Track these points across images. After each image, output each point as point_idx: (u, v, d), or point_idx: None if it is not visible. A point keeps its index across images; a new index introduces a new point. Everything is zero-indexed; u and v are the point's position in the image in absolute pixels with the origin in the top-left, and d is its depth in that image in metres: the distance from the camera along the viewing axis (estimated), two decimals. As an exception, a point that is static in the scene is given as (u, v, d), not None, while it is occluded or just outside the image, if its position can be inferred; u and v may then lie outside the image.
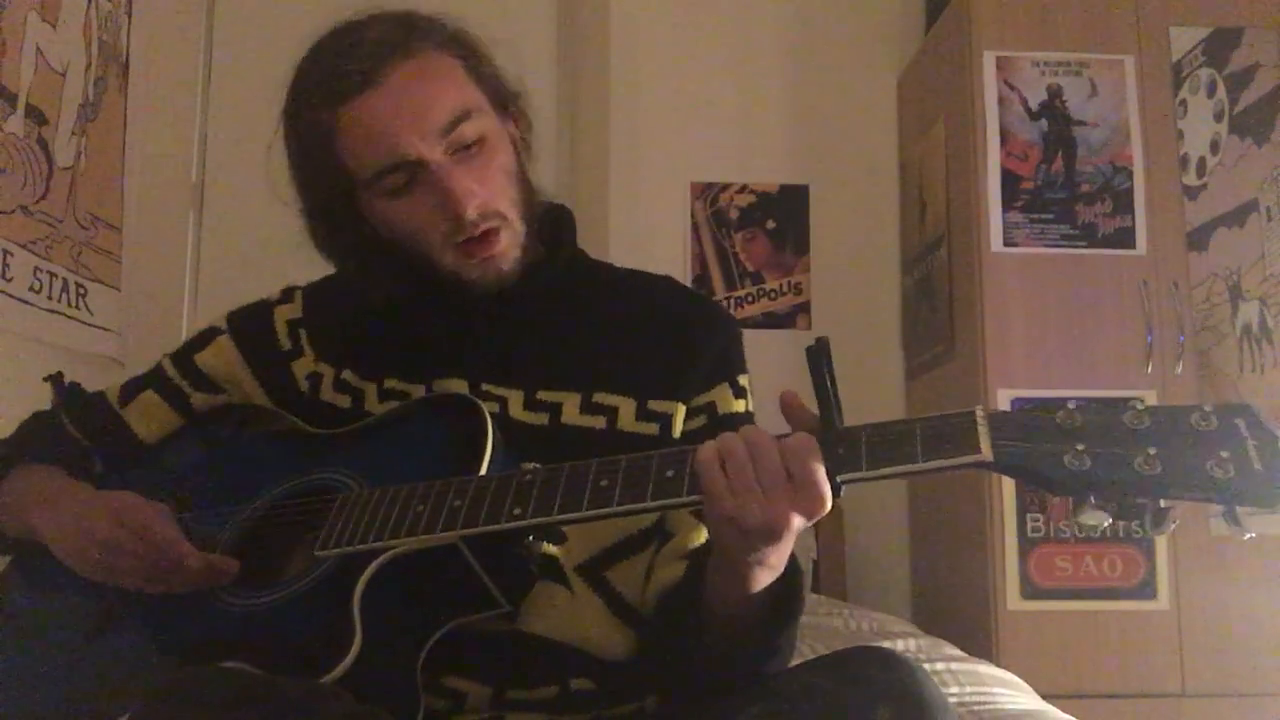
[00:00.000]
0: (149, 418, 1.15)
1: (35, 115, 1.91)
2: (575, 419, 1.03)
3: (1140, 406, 0.72)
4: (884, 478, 0.76)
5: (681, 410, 1.06)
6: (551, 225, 1.12)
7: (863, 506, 2.73)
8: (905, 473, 0.75)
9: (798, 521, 0.77)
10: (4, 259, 1.80)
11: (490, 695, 0.95)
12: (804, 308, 2.88)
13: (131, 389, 1.16)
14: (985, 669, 1.81)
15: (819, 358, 0.78)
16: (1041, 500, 2.26)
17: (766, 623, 0.88)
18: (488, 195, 1.01)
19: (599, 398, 1.04)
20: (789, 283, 2.89)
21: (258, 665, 0.82)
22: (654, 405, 1.05)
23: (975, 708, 1.62)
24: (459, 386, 1.04)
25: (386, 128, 0.98)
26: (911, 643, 1.91)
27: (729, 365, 1.10)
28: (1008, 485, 2.26)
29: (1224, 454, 0.68)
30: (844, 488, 0.77)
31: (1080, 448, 0.71)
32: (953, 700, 1.62)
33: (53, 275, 1.96)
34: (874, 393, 2.80)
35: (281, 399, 1.11)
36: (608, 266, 1.20)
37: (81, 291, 2.07)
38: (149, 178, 2.36)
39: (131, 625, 0.98)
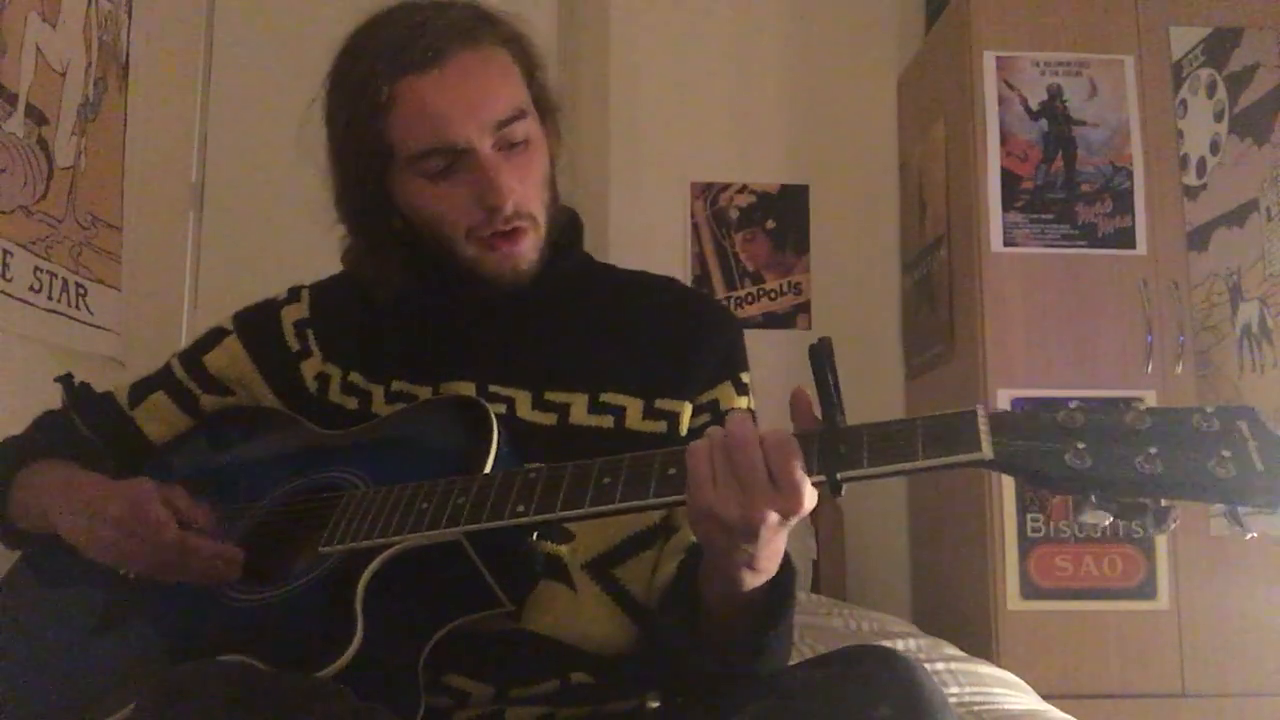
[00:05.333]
0: (159, 419, 1.15)
1: (35, 115, 1.91)
2: (583, 419, 1.04)
3: (1141, 407, 0.72)
4: (885, 475, 0.76)
5: (688, 409, 1.07)
6: (560, 228, 1.12)
7: (863, 506, 2.73)
8: (906, 470, 0.75)
9: (775, 519, 0.77)
10: (4, 259, 1.80)
11: (492, 693, 0.95)
12: (804, 308, 2.88)
13: (141, 390, 1.16)
14: (985, 669, 1.82)
15: (821, 357, 0.78)
16: (1041, 500, 2.26)
17: (757, 623, 0.88)
18: (525, 195, 1.02)
19: (607, 398, 1.05)
20: (789, 283, 2.89)
21: (261, 660, 0.83)
22: (661, 404, 1.06)
23: (975, 708, 1.62)
24: (466, 388, 1.05)
25: (444, 110, 0.98)
26: (911, 643, 1.91)
27: (732, 363, 1.11)
28: (1008, 485, 2.25)
29: (1225, 454, 0.68)
30: (845, 486, 0.77)
31: (1081, 446, 0.71)
32: (953, 700, 1.62)
33: (53, 275, 1.96)
34: (874, 393, 2.80)
35: (290, 400, 1.12)
36: (612, 269, 1.21)
37: (81, 291, 2.06)
38: (149, 178, 2.36)
39: (137, 620, 0.98)
